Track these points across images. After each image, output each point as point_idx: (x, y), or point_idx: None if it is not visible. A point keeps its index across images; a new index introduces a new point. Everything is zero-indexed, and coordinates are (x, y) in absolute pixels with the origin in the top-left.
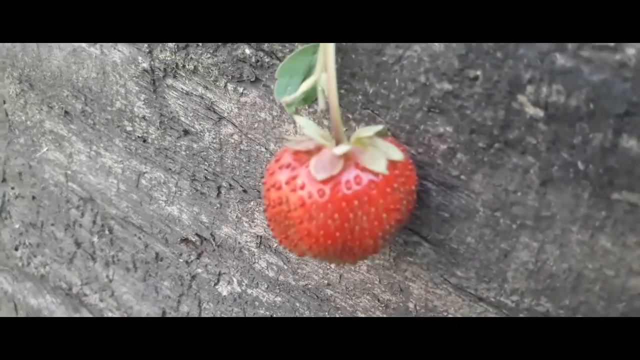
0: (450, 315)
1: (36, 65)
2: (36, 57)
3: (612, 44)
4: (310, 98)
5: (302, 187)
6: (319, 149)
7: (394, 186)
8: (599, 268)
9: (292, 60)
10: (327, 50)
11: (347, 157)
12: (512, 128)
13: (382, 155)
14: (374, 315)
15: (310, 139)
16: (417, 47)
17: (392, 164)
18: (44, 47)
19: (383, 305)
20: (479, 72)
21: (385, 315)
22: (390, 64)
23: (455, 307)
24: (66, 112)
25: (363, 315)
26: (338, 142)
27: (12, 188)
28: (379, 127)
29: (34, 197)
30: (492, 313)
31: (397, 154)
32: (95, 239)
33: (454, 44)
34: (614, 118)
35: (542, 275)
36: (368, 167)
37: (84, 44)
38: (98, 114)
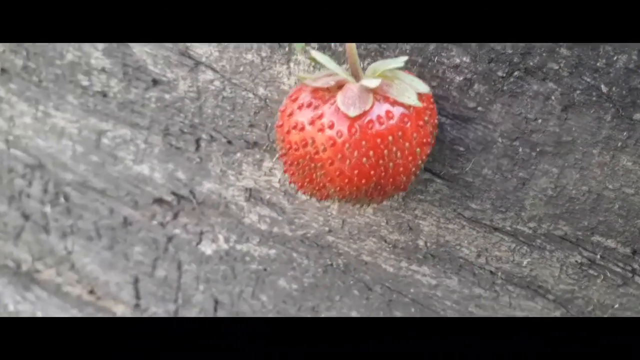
0: (463, 249)
1: None
2: None
3: None
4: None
5: (331, 126)
6: (340, 85)
7: (425, 119)
8: (619, 187)
9: None
10: None
11: (374, 92)
12: (532, 55)
13: (410, 87)
14: (381, 257)
15: (327, 75)
16: None
17: (419, 97)
18: None
19: (390, 245)
20: None
21: (392, 256)
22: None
23: (468, 239)
24: (2, 70)
25: (369, 259)
26: (357, 78)
27: None
28: (403, 59)
29: None
30: (507, 242)
31: (423, 87)
32: (47, 210)
33: None
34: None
35: (561, 199)
36: (399, 100)
37: None
38: (44, 69)
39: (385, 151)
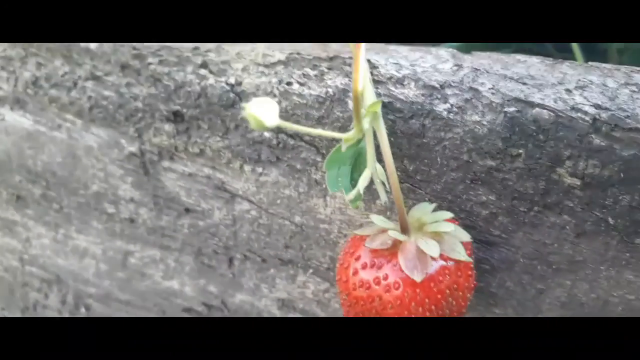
0: None
1: None
2: None
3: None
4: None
5: (397, 287)
6: (396, 244)
7: (471, 266)
8: (623, 294)
9: (337, 151)
10: (383, 142)
11: None
12: (551, 194)
13: (457, 241)
14: None
15: (380, 232)
16: (459, 129)
17: (465, 246)
18: None
19: None
20: (521, 151)
21: None
22: (432, 145)
23: None
24: (19, 197)
25: None
26: (406, 231)
27: None
28: (432, 207)
29: None
30: None
31: (465, 235)
32: (66, 317)
33: (497, 127)
34: None
35: (573, 304)
36: (451, 257)
37: (42, 127)
38: (66, 198)
39: (444, 302)
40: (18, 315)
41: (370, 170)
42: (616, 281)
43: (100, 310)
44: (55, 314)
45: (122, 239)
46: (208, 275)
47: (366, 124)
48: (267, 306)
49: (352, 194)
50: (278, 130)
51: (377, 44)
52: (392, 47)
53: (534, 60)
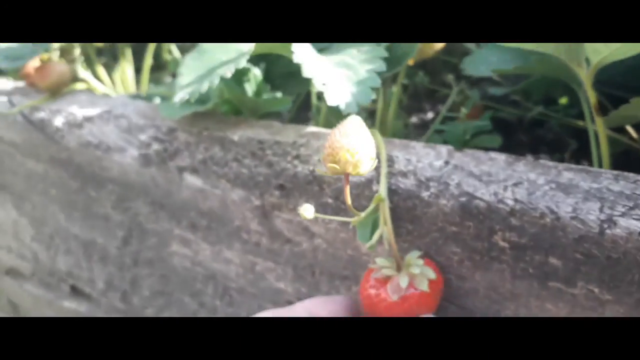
0: None
1: (167, 195)
2: (166, 191)
3: None
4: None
5: (385, 300)
6: (389, 277)
7: (434, 295)
8: (546, 315)
9: (365, 218)
10: (385, 213)
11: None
12: (492, 251)
13: (424, 278)
14: None
15: (384, 267)
16: (434, 208)
17: (431, 282)
18: (173, 184)
19: None
20: (470, 223)
21: None
22: (420, 215)
23: None
24: (193, 225)
25: None
26: (398, 268)
27: (143, 270)
28: (418, 253)
29: (163, 276)
30: None
31: (432, 274)
32: (217, 302)
33: (455, 209)
34: None
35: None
36: (417, 287)
37: (207, 187)
38: (220, 228)
39: (411, 311)
40: (188, 298)
41: (381, 231)
42: (540, 308)
43: (237, 299)
44: (209, 299)
45: (252, 255)
46: (300, 281)
47: (374, 208)
48: None
49: (370, 243)
50: (336, 198)
51: (398, 140)
52: (412, 144)
53: (501, 158)
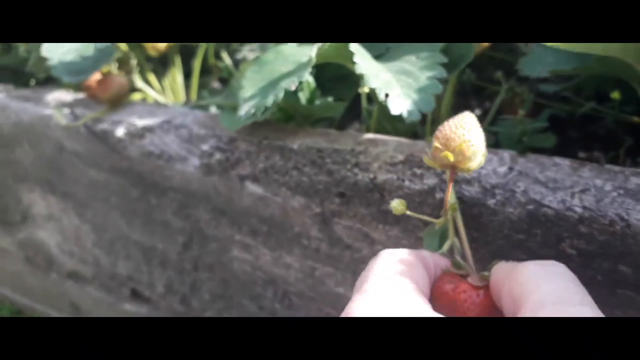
0: None
1: (228, 203)
2: (228, 199)
3: None
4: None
5: (465, 291)
6: (467, 274)
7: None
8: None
9: (431, 228)
10: (460, 226)
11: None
12: (560, 258)
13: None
14: None
15: (461, 269)
16: (501, 216)
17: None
18: (234, 192)
19: None
20: (538, 231)
21: None
22: (486, 223)
23: None
24: (253, 231)
25: None
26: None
27: (203, 274)
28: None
29: (223, 279)
30: None
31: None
32: (277, 305)
33: (522, 216)
34: None
35: None
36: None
37: (268, 194)
38: (281, 234)
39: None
40: (248, 301)
41: (451, 241)
42: (608, 315)
43: (297, 302)
44: (268, 302)
45: (311, 260)
46: None
47: (449, 215)
48: None
49: (440, 251)
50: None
51: None
52: None
53: (565, 163)
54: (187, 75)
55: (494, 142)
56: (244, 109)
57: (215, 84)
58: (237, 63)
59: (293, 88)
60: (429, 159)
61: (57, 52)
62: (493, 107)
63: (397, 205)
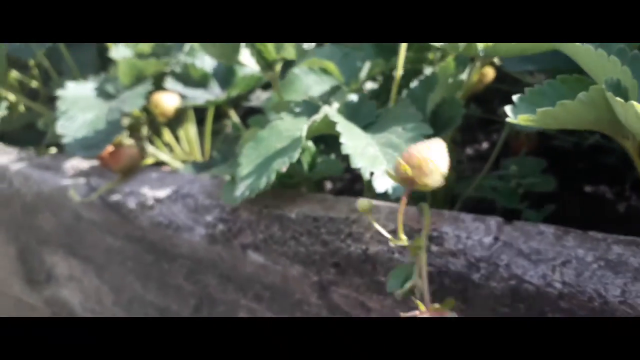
0: None
1: (233, 270)
2: (232, 266)
3: None
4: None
5: None
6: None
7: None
8: None
9: (396, 270)
10: (422, 265)
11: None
12: None
13: None
14: None
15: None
16: (486, 289)
17: None
18: (238, 260)
19: None
20: (522, 305)
21: None
22: (471, 297)
23: None
24: (258, 296)
25: None
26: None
27: None
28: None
29: None
30: None
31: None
32: None
33: (505, 291)
34: None
35: None
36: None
37: (269, 263)
38: (283, 300)
39: None
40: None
41: (415, 281)
42: None
43: None
44: None
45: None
46: None
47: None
48: None
49: (401, 292)
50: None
51: (448, 212)
52: (462, 217)
53: (550, 231)
54: (200, 121)
55: (493, 191)
56: (240, 190)
57: (228, 128)
58: (246, 112)
59: (284, 170)
60: (390, 173)
61: (71, 129)
62: (499, 142)
63: (362, 203)
